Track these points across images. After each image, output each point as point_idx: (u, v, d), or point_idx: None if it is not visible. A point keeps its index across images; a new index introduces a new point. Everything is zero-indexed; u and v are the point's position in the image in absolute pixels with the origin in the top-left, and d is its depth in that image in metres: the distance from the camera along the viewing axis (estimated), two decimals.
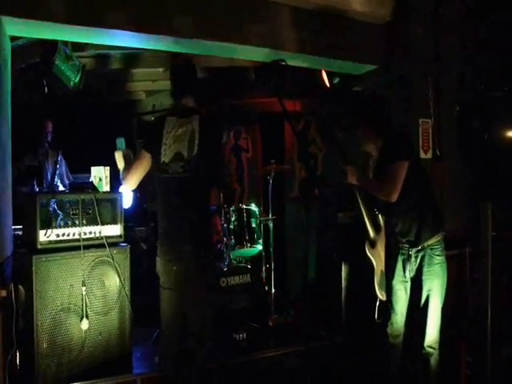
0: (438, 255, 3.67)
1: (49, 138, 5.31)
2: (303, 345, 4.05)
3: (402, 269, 3.74)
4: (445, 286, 3.70)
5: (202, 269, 3.27)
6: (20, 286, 3.44)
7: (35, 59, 4.46)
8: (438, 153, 5.03)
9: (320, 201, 5.52)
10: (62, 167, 5.32)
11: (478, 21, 5.18)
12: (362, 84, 5.47)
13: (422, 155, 4.91)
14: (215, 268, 4.34)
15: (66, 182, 5.20)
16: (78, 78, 4.71)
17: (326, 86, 5.64)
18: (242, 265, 4.88)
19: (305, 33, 4.66)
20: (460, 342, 4.50)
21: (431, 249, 3.66)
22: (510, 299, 4.59)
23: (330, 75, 5.63)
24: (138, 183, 3.53)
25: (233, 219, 4.92)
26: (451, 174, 5.02)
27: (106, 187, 3.95)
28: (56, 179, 4.99)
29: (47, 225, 3.51)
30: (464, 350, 4.47)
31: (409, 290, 3.76)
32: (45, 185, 5.04)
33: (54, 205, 3.54)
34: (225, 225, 4.83)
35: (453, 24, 5.16)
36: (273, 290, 5.01)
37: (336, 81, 5.80)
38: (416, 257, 3.68)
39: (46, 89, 4.54)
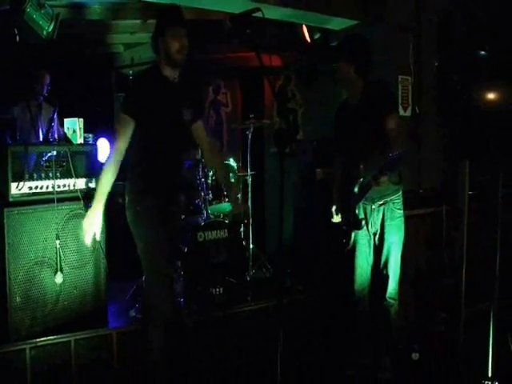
0: (398, 209, 3.76)
1: (44, 91, 5.10)
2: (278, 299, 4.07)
3: (364, 223, 3.76)
4: (403, 240, 3.76)
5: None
6: None
7: (5, 6, 4.30)
8: (417, 110, 5.01)
9: (298, 156, 5.49)
10: (55, 124, 5.15)
11: None
12: None
13: (402, 112, 4.89)
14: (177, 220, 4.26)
15: (56, 136, 5.06)
16: (51, 28, 4.55)
17: (306, 41, 5.56)
18: (220, 220, 4.86)
19: None
20: (435, 299, 4.58)
21: (393, 203, 3.72)
22: (485, 257, 4.64)
23: (311, 30, 5.55)
24: None
25: (210, 174, 4.87)
26: (430, 131, 5.02)
27: (80, 139, 3.87)
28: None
29: (19, 177, 3.43)
30: (438, 306, 4.55)
31: (372, 244, 3.80)
32: (38, 139, 4.90)
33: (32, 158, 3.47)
34: (202, 179, 4.79)
35: None
36: (251, 246, 5.02)
37: (317, 36, 5.72)
38: (378, 211, 3.71)
39: (17, 38, 4.39)
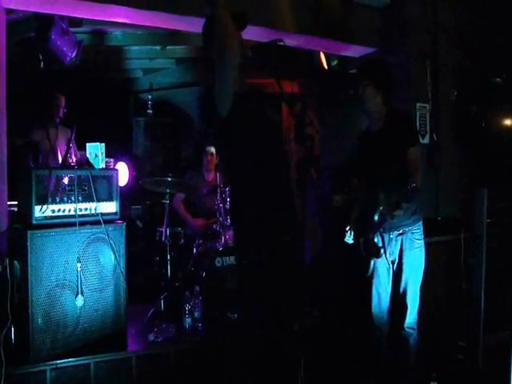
0: (418, 239, 3.73)
1: (61, 114, 5.20)
2: (296, 325, 4.06)
3: (383, 251, 3.75)
4: (423, 269, 3.74)
5: None
6: (15, 261, 3.43)
7: (31, 33, 4.42)
8: (435, 138, 5.02)
9: (315, 183, 5.51)
10: (73, 146, 5.21)
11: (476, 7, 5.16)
12: None
13: (420, 139, 4.90)
14: None
15: (74, 159, 5.11)
16: (74, 54, 4.66)
17: (324, 67, 5.62)
18: None
19: (302, 13, 4.63)
20: (453, 326, 4.54)
21: (412, 233, 3.69)
22: (504, 285, 4.62)
23: (329, 57, 5.61)
24: None
25: (229, 199, 4.90)
26: (447, 158, 5.03)
27: (101, 164, 3.93)
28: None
29: (42, 200, 3.49)
30: (457, 334, 4.51)
31: (391, 273, 3.78)
32: (57, 162, 4.95)
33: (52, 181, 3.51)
34: (220, 205, 4.82)
35: (452, 8, 5.14)
36: None
37: (334, 63, 5.77)
38: (396, 240, 3.70)
39: (42, 63, 4.49)
